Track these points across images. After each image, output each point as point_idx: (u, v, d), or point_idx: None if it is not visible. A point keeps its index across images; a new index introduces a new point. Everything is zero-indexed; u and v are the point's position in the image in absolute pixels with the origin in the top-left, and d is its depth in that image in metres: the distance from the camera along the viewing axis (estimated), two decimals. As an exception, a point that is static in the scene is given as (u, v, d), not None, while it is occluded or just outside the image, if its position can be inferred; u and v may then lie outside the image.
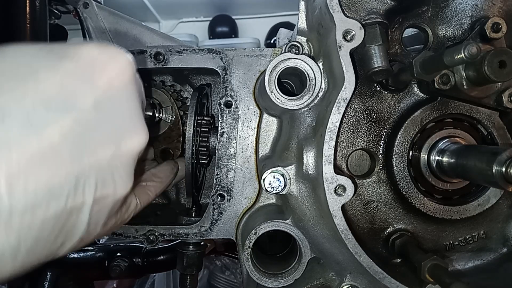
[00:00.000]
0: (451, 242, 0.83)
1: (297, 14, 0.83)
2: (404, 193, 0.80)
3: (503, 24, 0.72)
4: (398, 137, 0.79)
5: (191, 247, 1.00)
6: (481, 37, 0.73)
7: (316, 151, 0.74)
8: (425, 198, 0.79)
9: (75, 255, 1.33)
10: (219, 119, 0.90)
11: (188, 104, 0.99)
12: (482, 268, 0.83)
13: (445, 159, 0.76)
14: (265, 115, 0.89)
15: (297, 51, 0.80)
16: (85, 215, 0.49)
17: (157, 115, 0.95)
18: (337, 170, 0.69)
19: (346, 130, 0.80)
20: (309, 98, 0.75)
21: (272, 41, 4.21)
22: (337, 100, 0.68)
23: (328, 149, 0.68)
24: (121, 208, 0.60)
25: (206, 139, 0.92)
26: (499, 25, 0.72)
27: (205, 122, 0.93)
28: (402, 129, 0.79)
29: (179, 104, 0.99)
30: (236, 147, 0.90)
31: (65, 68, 0.46)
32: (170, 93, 0.98)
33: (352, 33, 0.67)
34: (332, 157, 0.68)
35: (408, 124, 0.79)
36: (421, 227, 0.81)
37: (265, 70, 0.79)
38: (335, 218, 0.69)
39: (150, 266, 1.38)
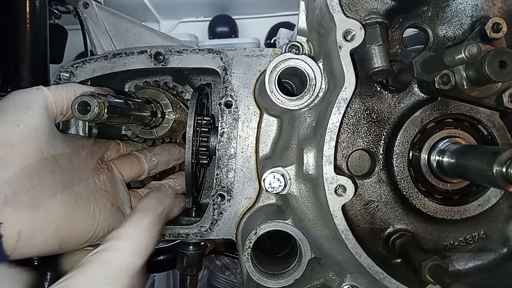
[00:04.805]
0: (452, 242, 0.82)
1: (297, 14, 0.83)
2: (404, 193, 0.79)
3: (503, 24, 0.72)
4: (398, 137, 0.79)
5: (191, 247, 1.00)
6: (481, 37, 0.73)
7: (316, 151, 0.73)
8: (426, 198, 0.79)
9: (75, 255, 1.33)
10: (219, 119, 0.90)
11: (188, 104, 0.99)
12: (482, 268, 0.83)
13: (445, 159, 0.76)
14: (265, 115, 0.89)
15: (297, 51, 0.80)
16: None
17: (158, 111, 0.95)
18: (338, 170, 0.69)
19: (347, 130, 0.80)
20: (309, 98, 0.75)
21: (272, 41, 4.21)
22: (337, 100, 0.68)
23: (328, 149, 0.68)
24: None
25: (206, 139, 0.92)
26: (499, 25, 0.72)
27: (205, 122, 0.93)
28: (402, 129, 0.79)
29: (172, 92, 1.00)
30: (236, 147, 0.89)
31: None
32: (158, 86, 0.99)
33: (352, 33, 0.67)
34: (333, 157, 0.68)
35: (409, 124, 0.79)
36: (422, 227, 0.81)
37: (265, 70, 0.79)
38: (335, 218, 0.69)
39: (150, 266, 1.37)
